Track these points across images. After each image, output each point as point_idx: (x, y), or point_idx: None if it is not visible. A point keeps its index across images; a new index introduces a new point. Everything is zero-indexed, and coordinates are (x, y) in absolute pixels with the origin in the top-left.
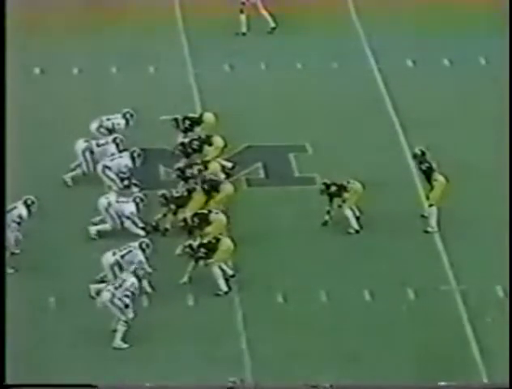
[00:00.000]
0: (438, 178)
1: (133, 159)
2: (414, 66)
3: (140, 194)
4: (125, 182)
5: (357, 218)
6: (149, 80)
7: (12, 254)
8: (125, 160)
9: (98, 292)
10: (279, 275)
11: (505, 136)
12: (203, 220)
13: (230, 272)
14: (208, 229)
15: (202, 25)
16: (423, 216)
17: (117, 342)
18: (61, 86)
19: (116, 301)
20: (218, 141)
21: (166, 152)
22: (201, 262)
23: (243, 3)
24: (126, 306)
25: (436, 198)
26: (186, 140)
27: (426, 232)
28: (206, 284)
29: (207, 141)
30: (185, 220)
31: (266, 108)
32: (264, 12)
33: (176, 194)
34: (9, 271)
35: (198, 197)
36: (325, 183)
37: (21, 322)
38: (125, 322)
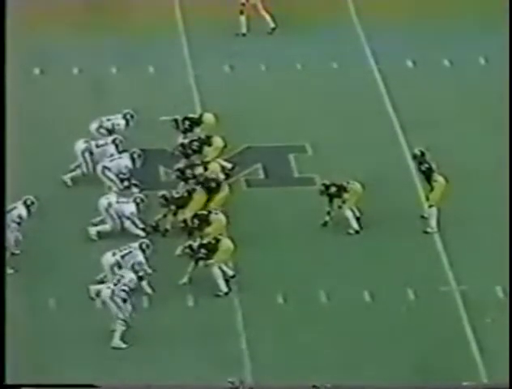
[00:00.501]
0: (438, 179)
1: (133, 160)
2: (414, 67)
3: (140, 195)
4: (125, 183)
5: (357, 218)
6: (149, 81)
7: (12, 254)
8: (124, 161)
9: (98, 293)
10: (279, 275)
11: (505, 136)
12: (203, 220)
13: (230, 273)
14: (208, 230)
15: (203, 26)
16: (423, 217)
17: (116, 341)
18: (61, 86)
19: (115, 298)
20: (218, 141)
21: (166, 153)
22: (201, 263)
23: (243, 4)
24: (124, 301)
25: (436, 198)
26: (186, 141)
27: (426, 232)
28: (206, 285)
29: (207, 141)
30: (185, 220)
31: (266, 108)
32: (264, 13)
33: (176, 195)
34: (9, 271)
35: (199, 197)
36: (324, 184)
37: (21, 322)
38: (124, 321)
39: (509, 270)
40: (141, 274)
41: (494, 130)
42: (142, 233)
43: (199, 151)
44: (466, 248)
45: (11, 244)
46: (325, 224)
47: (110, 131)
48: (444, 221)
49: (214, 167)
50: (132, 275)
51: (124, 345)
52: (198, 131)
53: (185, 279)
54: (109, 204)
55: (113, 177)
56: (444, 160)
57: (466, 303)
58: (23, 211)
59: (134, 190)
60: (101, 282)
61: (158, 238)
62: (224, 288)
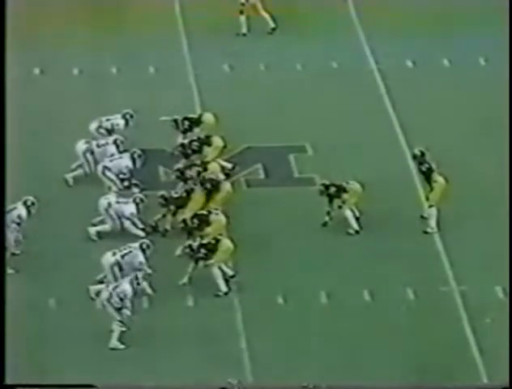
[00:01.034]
0: (438, 179)
1: (133, 160)
2: (414, 67)
3: (140, 195)
4: (125, 183)
5: (357, 218)
6: (149, 80)
7: (12, 254)
8: (125, 161)
9: (98, 293)
10: (279, 275)
11: (505, 136)
12: (203, 220)
13: (230, 273)
14: (208, 230)
15: (202, 25)
16: (422, 217)
17: (114, 342)
18: (62, 86)
19: (112, 301)
20: (217, 141)
21: (166, 153)
22: (201, 263)
23: (243, 4)
24: (119, 309)
25: (435, 198)
26: (186, 141)
27: (426, 232)
28: (206, 285)
29: (207, 141)
30: (184, 220)
31: (266, 108)
32: (264, 13)
33: (175, 195)
34: (9, 271)
35: (197, 197)
36: (324, 184)
37: (21, 322)
38: (121, 322)
39: (509, 270)
40: (140, 277)
41: (494, 130)
42: (141, 234)
43: (199, 151)
44: (466, 248)
45: (11, 244)
46: (325, 224)
47: (110, 131)
48: (444, 221)
49: (213, 167)
50: (126, 287)
51: (121, 346)
52: (198, 131)
53: (185, 280)
54: (109, 204)
55: (113, 177)
56: (444, 160)
57: (466, 303)
58: (23, 212)
59: (135, 190)
60: (101, 282)
61: (158, 238)
62: (224, 288)
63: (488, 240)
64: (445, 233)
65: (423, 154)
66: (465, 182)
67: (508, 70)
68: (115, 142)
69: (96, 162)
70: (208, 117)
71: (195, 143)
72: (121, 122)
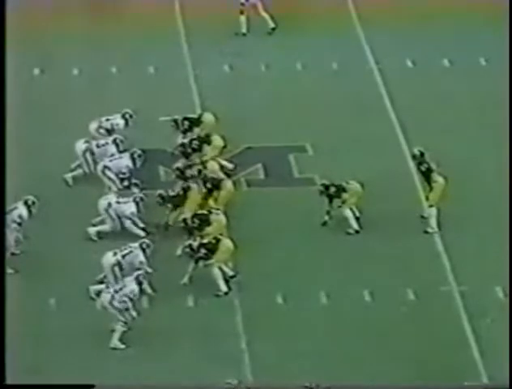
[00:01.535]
0: (438, 179)
1: (133, 159)
2: (414, 67)
3: (140, 194)
4: (125, 183)
5: (357, 218)
6: (149, 81)
7: (12, 254)
8: (125, 161)
9: (98, 293)
10: (279, 275)
11: (505, 136)
12: (203, 220)
13: (230, 273)
14: (208, 230)
15: (202, 25)
16: (422, 217)
17: (115, 342)
18: (61, 86)
19: (115, 303)
20: (217, 140)
21: (166, 153)
22: (201, 263)
23: (242, 4)
24: (126, 310)
25: (435, 198)
26: (186, 140)
27: (426, 232)
28: (206, 285)
29: (207, 140)
30: (185, 220)
31: (266, 108)
32: (264, 13)
33: (172, 194)
34: (9, 271)
35: (194, 196)
36: (324, 184)
37: (21, 322)
38: (125, 323)
39: (509, 270)
40: (141, 275)
41: (494, 130)
42: (142, 233)
43: (199, 149)
44: (466, 248)
45: (12, 244)
46: (324, 223)
47: (109, 131)
48: (444, 221)
49: (212, 165)
50: (134, 287)
51: (122, 346)
52: (198, 131)
53: (185, 280)
54: (109, 204)
55: (113, 176)
56: (444, 160)
57: (466, 303)
58: (24, 212)
59: (135, 189)
60: (101, 282)
61: (158, 238)
62: (224, 288)
63: (488, 240)
64: (446, 233)
65: (422, 154)
66: (465, 182)
67: (508, 70)
68: (115, 141)
69: (96, 162)
70: (208, 117)
71: (195, 142)
72: (121, 122)
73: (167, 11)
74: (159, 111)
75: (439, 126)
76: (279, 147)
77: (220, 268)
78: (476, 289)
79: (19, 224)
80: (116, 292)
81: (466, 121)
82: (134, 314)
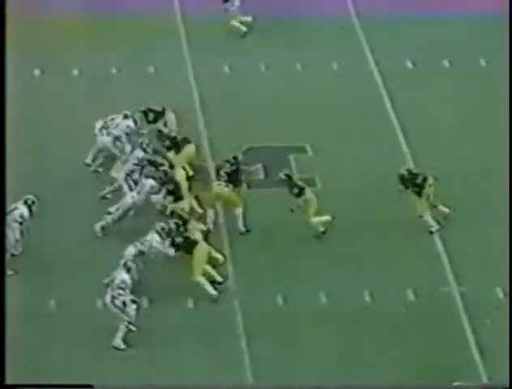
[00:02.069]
0: (427, 190)
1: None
2: (414, 68)
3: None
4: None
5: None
6: (149, 81)
7: (12, 255)
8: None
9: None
10: (279, 276)
11: (505, 136)
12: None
13: (219, 279)
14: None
15: (202, 26)
16: (421, 217)
17: (117, 341)
18: (62, 87)
19: (116, 301)
20: (189, 148)
21: None
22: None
23: (226, 10)
24: (124, 304)
25: (423, 207)
26: (166, 130)
27: (431, 232)
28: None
29: (180, 144)
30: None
31: (266, 109)
32: (235, 22)
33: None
34: (9, 272)
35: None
36: (287, 175)
37: (22, 323)
38: (129, 323)
39: (509, 271)
40: (128, 262)
41: (494, 130)
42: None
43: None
44: (466, 249)
45: (12, 244)
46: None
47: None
48: (444, 222)
49: (179, 173)
50: (123, 276)
51: (123, 346)
52: (160, 124)
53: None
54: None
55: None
56: (444, 160)
57: (466, 304)
58: (25, 211)
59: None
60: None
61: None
62: (213, 292)
63: (488, 241)
64: (446, 234)
65: (411, 173)
66: (464, 182)
67: (508, 71)
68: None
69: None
70: (170, 115)
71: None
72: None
73: (167, 12)
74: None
75: (439, 126)
76: (280, 147)
77: (209, 274)
78: (476, 290)
79: (21, 223)
80: (112, 290)
81: (465, 122)
82: (133, 308)
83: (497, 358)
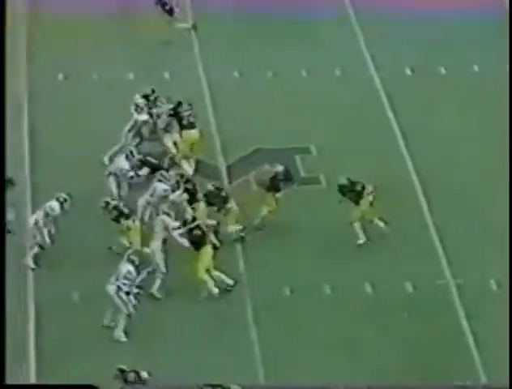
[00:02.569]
0: (365, 198)
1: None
2: (412, 74)
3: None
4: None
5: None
6: (164, 86)
7: (41, 247)
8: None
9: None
10: (286, 270)
11: (505, 136)
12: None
13: (230, 282)
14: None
15: (212, 31)
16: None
17: (118, 333)
18: (83, 92)
19: (120, 293)
20: (193, 134)
21: None
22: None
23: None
24: (128, 293)
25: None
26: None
27: (359, 245)
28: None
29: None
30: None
31: (273, 113)
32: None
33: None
34: (32, 266)
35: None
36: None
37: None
38: (128, 316)
39: (509, 268)
40: (131, 254)
41: (493, 132)
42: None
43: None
44: (461, 242)
45: (45, 240)
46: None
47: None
48: (441, 215)
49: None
50: (129, 267)
51: (124, 338)
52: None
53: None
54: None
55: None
56: (443, 160)
57: (462, 297)
58: (57, 207)
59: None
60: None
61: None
62: (216, 290)
63: (483, 232)
64: (441, 227)
65: (351, 182)
66: (462, 181)
67: (508, 72)
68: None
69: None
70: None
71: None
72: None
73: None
74: None
75: (437, 129)
76: (286, 148)
77: (216, 277)
78: (471, 282)
79: (51, 220)
80: (117, 280)
81: (465, 124)
82: (133, 300)
83: (497, 358)
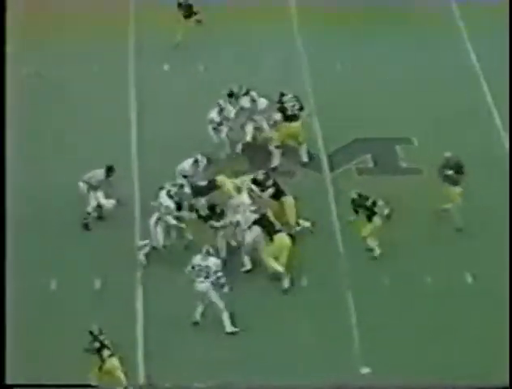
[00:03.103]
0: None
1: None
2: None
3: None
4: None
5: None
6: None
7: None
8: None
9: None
10: (387, 258)
11: (505, 136)
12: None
13: (286, 285)
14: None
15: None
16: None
17: (229, 328)
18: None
19: (215, 288)
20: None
21: None
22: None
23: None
24: (222, 286)
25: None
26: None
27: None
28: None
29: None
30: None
31: (375, 102)
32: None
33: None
34: (143, 262)
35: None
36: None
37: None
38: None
39: (509, 267)
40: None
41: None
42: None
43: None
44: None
45: (159, 239)
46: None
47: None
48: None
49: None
50: (215, 260)
51: (236, 329)
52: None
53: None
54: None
55: None
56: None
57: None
58: (171, 205)
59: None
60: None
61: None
62: (279, 268)
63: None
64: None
65: (360, 196)
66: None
67: (508, 70)
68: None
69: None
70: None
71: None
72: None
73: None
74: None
75: None
76: (386, 138)
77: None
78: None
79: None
80: (206, 277)
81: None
82: (225, 288)
83: (497, 358)
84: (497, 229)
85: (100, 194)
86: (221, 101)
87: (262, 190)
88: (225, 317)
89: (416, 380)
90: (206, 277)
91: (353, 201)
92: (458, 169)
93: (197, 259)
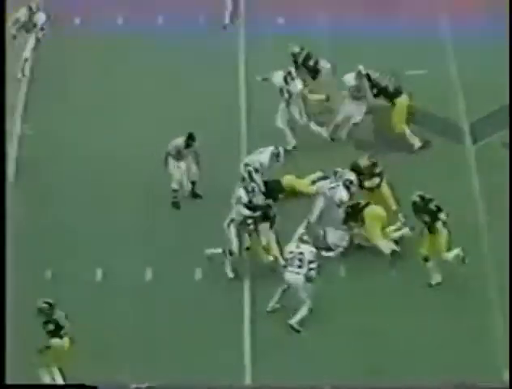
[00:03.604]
0: (441, 229)
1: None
2: None
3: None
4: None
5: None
6: None
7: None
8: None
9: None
10: None
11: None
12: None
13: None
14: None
15: None
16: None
17: (295, 322)
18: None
19: (308, 282)
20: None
21: None
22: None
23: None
24: (310, 280)
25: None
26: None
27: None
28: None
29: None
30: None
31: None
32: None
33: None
34: (230, 275)
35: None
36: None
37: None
38: (310, 308)
39: (509, 266)
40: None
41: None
42: None
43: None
44: None
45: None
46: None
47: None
48: None
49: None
50: (311, 248)
51: (300, 328)
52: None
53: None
54: None
55: None
56: None
57: None
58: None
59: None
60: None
61: None
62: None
63: None
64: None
65: (423, 198)
66: None
67: (508, 69)
68: None
69: None
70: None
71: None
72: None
73: None
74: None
75: None
76: None
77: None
78: None
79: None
80: (300, 267)
81: None
82: (313, 274)
83: (497, 358)
84: None
85: (182, 165)
86: None
87: (364, 180)
88: (303, 312)
89: (416, 380)
90: (300, 267)
91: (413, 204)
92: None
93: (290, 246)
